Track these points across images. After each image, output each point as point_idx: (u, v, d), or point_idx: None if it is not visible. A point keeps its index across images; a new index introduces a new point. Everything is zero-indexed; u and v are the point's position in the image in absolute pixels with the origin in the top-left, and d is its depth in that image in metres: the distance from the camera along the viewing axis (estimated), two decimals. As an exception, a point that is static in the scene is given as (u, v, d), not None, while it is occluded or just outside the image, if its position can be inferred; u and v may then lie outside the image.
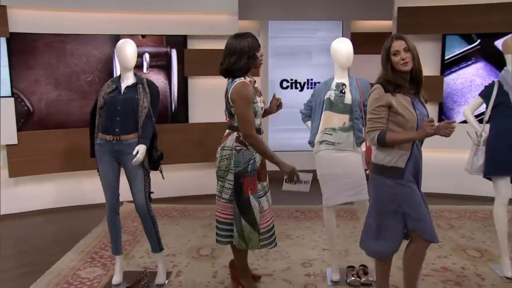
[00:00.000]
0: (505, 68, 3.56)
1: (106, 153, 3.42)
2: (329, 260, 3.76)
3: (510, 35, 3.64)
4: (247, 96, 2.91)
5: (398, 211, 2.73)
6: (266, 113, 3.28)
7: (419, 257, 2.85)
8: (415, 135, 2.63)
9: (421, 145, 2.80)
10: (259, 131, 3.05)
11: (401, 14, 5.80)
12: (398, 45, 2.67)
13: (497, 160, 3.51)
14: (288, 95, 7.03)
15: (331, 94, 3.43)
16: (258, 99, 3.01)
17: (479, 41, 5.70)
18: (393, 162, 2.70)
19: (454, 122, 2.57)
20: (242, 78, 2.96)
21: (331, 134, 3.41)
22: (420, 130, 2.60)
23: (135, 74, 3.51)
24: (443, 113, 5.92)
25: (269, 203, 3.12)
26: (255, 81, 3.10)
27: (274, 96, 3.30)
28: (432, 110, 5.87)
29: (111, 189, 3.46)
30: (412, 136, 2.65)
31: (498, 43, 5.56)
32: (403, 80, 2.70)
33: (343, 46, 3.41)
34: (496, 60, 5.57)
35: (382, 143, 2.68)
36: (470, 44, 5.74)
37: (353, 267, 3.65)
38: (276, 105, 3.27)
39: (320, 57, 6.96)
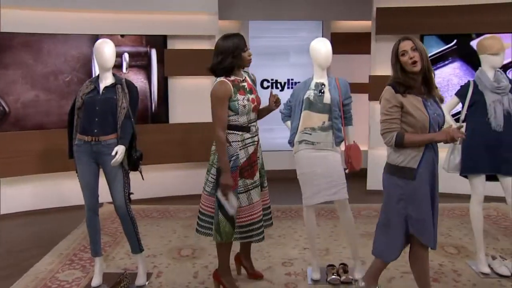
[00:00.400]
0: (480, 68, 3.61)
1: (84, 154, 3.39)
2: (309, 259, 3.77)
3: (484, 36, 3.69)
4: (220, 95, 3.04)
5: (402, 213, 2.73)
6: (266, 110, 3.34)
7: (420, 262, 2.85)
8: (434, 137, 2.64)
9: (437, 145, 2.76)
10: (246, 128, 3.13)
11: (380, 14, 5.86)
12: (405, 45, 2.67)
13: (473, 159, 3.55)
14: (268, 95, 6.98)
15: (310, 93, 3.44)
16: (240, 97, 3.07)
17: (455, 41, 5.80)
18: (405, 162, 2.69)
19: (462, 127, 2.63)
20: (222, 77, 3.07)
21: (310, 134, 3.43)
22: (443, 133, 2.62)
23: (113, 74, 3.49)
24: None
25: (250, 200, 3.14)
26: (242, 80, 3.16)
27: (271, 93, 3.35)
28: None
29: (90, 190, 3.43)
30: (431, 137, 2.65)
31: (473, 44, 5.67)
32: (413, 81, 2.69)
33: (322, 46, 3.43)
34: (472, 60, 5.66)
35: (400, 144, 2.66)
36: (447, 44, 5.82)
37: (333, 265, 3.67)
38: (274, 101, 3.33)
39: (300, 57, 6.95)
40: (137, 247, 3.54)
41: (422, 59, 2.66)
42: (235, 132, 3.11)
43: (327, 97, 3.42)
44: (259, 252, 4.07)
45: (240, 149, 3.11)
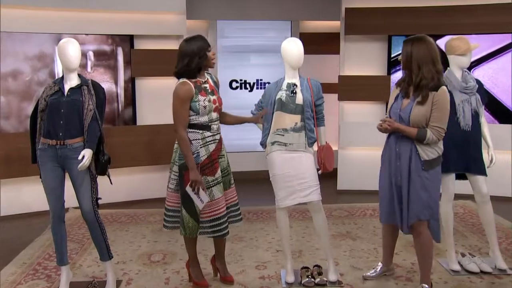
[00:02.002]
0: (448, 68, 3.63)
1: (49, 159, 3.28)
2: (283, 262, 3.74)
3: (451, 37, 3.73)
4: (181, 96, 3.15)
5: None
6: (239, 120, 3.53)
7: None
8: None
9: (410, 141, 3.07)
10: (207, 127, 3.22)
11: (349, 15, 5.90)
12: None
13: (444, 158, 3.56)
14: (237, 96, 6.99)
15: (282, 94, 3.41)
16: (201, 97, 3.18)
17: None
18: None
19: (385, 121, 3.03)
20: (184, 78, 3.18)
21: (282, 135, 3.40)
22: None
23: (79, 75, 3.40)
24: (390, 112, 6.05)
25: (212, 197, 3.21)
26: (204, 81, 3.25)
27: (264, 111, 3.46)
28: (380, 109, 6.02)
29: (55, 196, 3.32)
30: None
31: (439, 42, 5.77)
32: (404, 79, 3.12)
33: (294, 46, 3.40)
34: None
35: None
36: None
37: (307, 268, 3.64)
38: (260, 116, 3.46)
39: (269, 57, 6.94)
40: (106, 254, 3.43)
41: (404, 63, 3.08)
42: (196, 130, 3.21)
43: (299, 98, 3.40)
44: (232, 255, 4.02)
45: (201, 147, 3.20)
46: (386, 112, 3.29)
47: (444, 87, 3.02)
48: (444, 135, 3.05)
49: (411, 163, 3.06)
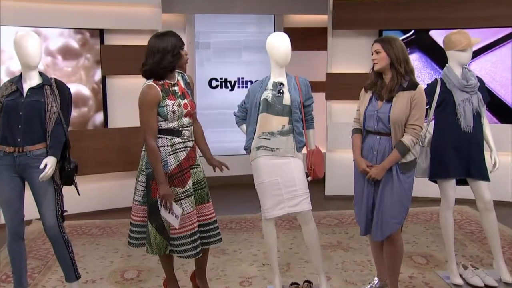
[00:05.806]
0: (447, 65, 3.45)
1: (5, 168, 3.01)
2: (270, 277, 3.50)
3: (451, 31, 3.50)
4: (148, 101, 2.89)
5: None
6: (207, 153, 3.24)
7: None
8: (356, 158, 3.10)
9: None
10: (177, 133, 2.96)
11: (337, 8, 5.68)
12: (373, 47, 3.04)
13: (443, 162, 3.39)
14: (217, 96, 6.76)
15: (268, 94, 3.19)
16: (169, 102, 2.91)
17: (413, 31, 5.71)
18: None
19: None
20: (151, 81, 2.92)
21: (269, 139, 3.18)
22: (359, 162, 3.05)
23: (40, 74, 3.13)
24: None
25: (183, 210, 2.92)
26: (173, 83, 2.99)
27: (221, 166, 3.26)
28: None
29: (12, 210, 3.06)
30: (354, 156, 3.12)
31: (432, 34, 5.64)
32: (375, 83, 3.06)
33: (281, 41, 3.19)
34: (431, 51, 5.64)
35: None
36: (406, 34, 5.70)
37: (297, 284, 3.41)
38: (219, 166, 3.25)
39: (251, 54, 6.73)
40: (72, 274, 3.18)
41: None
42: (164, 136, 2.94)
43: (286, 98, 3.19)
44: (214, 270, 3.74)
45: (170, 155, 2.92)
46: (357, 114, 3.22)
47: (421, 86, 2.99)
48: (420, 133, 3.02)
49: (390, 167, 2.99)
